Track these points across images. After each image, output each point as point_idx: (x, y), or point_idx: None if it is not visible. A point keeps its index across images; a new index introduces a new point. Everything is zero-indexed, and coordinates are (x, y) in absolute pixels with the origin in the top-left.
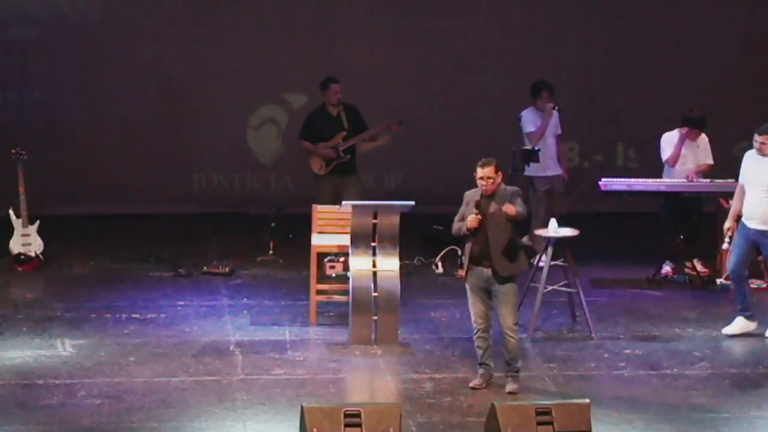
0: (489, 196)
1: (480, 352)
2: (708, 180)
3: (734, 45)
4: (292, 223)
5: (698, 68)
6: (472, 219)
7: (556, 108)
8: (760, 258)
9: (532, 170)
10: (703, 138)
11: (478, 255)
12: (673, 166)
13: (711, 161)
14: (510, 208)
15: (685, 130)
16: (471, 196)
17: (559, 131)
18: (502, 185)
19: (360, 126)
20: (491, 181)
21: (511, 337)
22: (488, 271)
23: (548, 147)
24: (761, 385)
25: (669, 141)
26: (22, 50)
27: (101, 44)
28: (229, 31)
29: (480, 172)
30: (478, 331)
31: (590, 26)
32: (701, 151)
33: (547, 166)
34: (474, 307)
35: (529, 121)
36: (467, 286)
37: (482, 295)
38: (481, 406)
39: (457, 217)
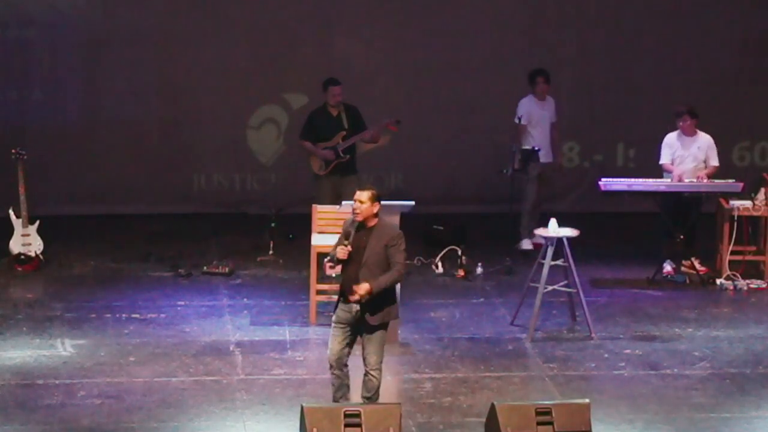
0: (368, 230)
1: (333, 389)
2: (708, 180)
3: (734, 45)
4: (292, 223)
5: (698, 68)
6: (341, 250)
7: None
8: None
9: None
10: (706, 138)
11: (348, 291)
12: (668, 171)
13: (716, 163)
14: (363, 287)
15: (683, 121)
16: (347, 225)
17: (554, 119)
18: (386, 222)
19: (359, 126)
20: (363, 206)
21: (374, 377)
22: (357, 308)
23: (544, 135)
24: (761, 385)
25: (667, 144)
26: (22, 50)
27: (101, 44)
28: (229, 31)
29: (356, 194)
30: (331, 367)
31: (590, 26)
32: (702, 152)
33: (541, 154)
34: (332, 342)
35: (523, 111)
36: (332, 319)
37: (345, 332)
38: (481, 406)
39: (335, 243)
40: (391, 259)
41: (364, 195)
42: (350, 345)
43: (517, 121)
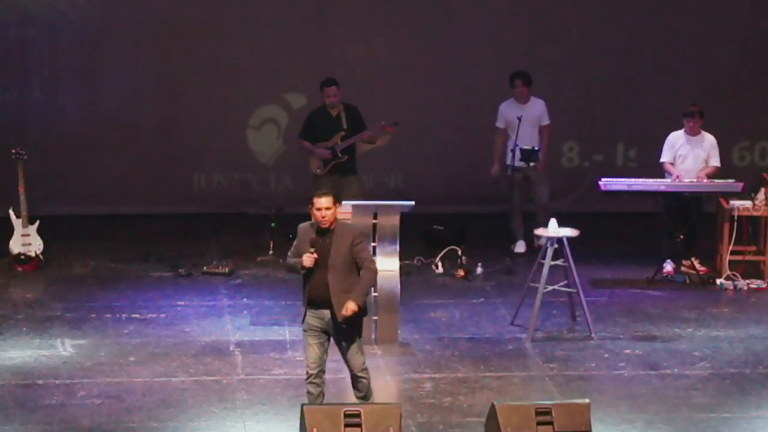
0: (329, 233)
1: (310, 399)
2: (708, 180)
3: (734, 45)
4: (292, 223)
5: (698, 68)
6: (307, 258)
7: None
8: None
9: (508, 158)
10: (710, 139)
11: (317, 298)
12: (668, 171)
13: (718, 164)
14: (350, 308)
15: (694, 122)
16: (305, 231)
17: (546, 122)
18: (343, 223)
19: (359, 126)
20: (329, 212)
21: (363, 377)
22: (328, 313)
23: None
24: (761, 385)
25: (670, 142)
26: (22, 50)
27: (101, 44)
28: (229, 31)
29: (317, 202)
30: (310, 376)
31: (590, 26)
32: (704, 152)
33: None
34: (309, 350)
35: (500, 115)
36: (303, 327)
37: (320, 338)
38: (481, 406)
39: (290, 252)
40: (358, 257)
41: (326, 201)
42: (327, 351)
43: (516, 121)
